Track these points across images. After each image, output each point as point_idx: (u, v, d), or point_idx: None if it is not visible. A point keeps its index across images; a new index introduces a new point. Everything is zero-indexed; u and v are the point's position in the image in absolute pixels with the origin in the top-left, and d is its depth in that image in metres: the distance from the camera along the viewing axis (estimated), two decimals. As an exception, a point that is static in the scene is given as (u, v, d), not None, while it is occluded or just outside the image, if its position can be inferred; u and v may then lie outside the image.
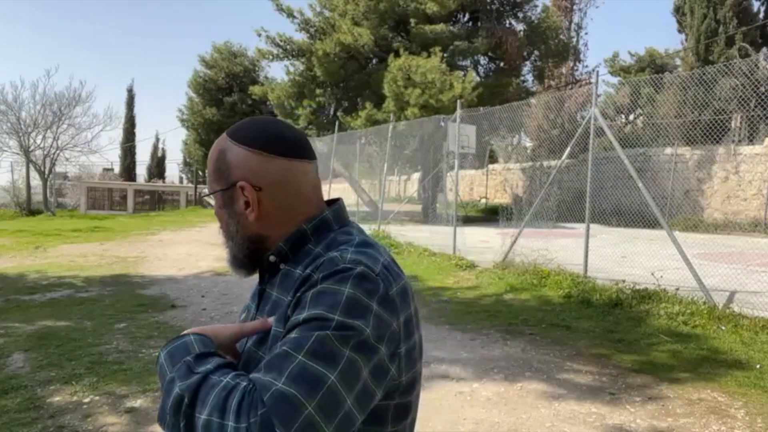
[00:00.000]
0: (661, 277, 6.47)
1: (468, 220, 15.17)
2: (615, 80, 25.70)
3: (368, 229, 13.35)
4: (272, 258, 0.98)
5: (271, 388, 0.74)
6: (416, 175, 25.73)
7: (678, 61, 23.41)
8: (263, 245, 0.99)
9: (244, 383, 0.76)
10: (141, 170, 40.39)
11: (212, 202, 1.03)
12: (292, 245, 0.98)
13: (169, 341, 0.89)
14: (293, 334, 0.80)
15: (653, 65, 23.85)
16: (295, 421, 0.72)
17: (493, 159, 25.65)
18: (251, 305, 1.05)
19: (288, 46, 20.35)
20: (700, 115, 13.91)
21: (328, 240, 0.97)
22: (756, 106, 13.91)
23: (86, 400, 3.69)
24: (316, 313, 0.81)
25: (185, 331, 0.91)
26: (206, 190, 1.06)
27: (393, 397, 0.89)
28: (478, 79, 17.99)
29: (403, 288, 0.91)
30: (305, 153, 1.00)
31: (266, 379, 0.76)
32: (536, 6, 19.84)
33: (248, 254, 1.00)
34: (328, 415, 0.75)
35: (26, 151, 26.95)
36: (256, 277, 1.06)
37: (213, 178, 1.00)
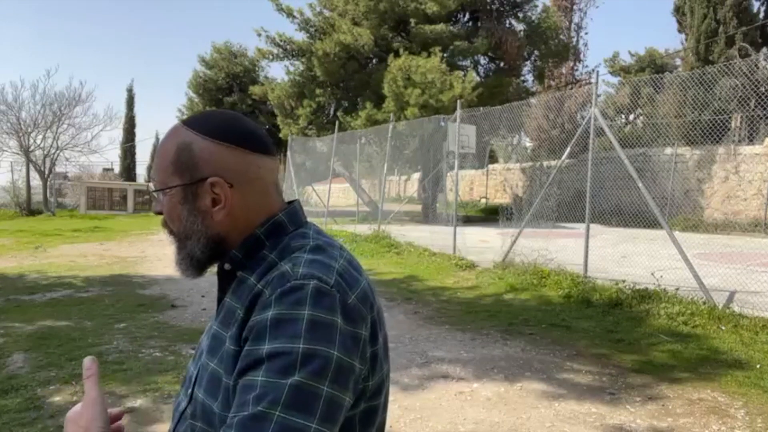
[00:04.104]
0: (661, 277, 6.47)
1: (468, 220, 15.17)
2: (615, 80, 25.76)
3: (368, 229, 13.35)
4: (227, 266, 0.95)
5: None
6: (416, 175, 25.74)
7: (678, 61, 23.43)
8: (223, 245, 0.94)
9: None
10: (141, 170, 40.33)
11: (160, 197, 0.96)
12: (246, 252, 0.93)
13: None
14: (260, 377, 0.76)
15: (653, 65, 23.86)
16: None
17: (493, 159, 25.65)
18: (213, 316, 1.02)
19: (288, 46, 20.34)
20: (700, 115, 13.90)
21: (282, 245, 0.92)
22: (756, 106, 13.91)
23: (86, 400, 3.69)
24: (279, 347, 0.76)
25: None
26: (153, 185, 0.97)
27: (359, 403, 0.86)
28: (478, 79, 17.99)
29: (363, 292, 0.87)
30: (271, 149, 0.97)
31: None
32: (536, 6, 19.88)
33: (209, 255, 0.94)
34: None
35: (26, 151, 26.95)
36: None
37: (170, 172, 0.93)
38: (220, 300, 0.97)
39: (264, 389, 0.74)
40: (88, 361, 0.90)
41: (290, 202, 1.00)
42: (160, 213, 0.98)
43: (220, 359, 0.87)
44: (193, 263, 0.96)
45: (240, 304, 0.87)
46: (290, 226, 0.95)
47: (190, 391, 0.94)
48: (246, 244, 0.93)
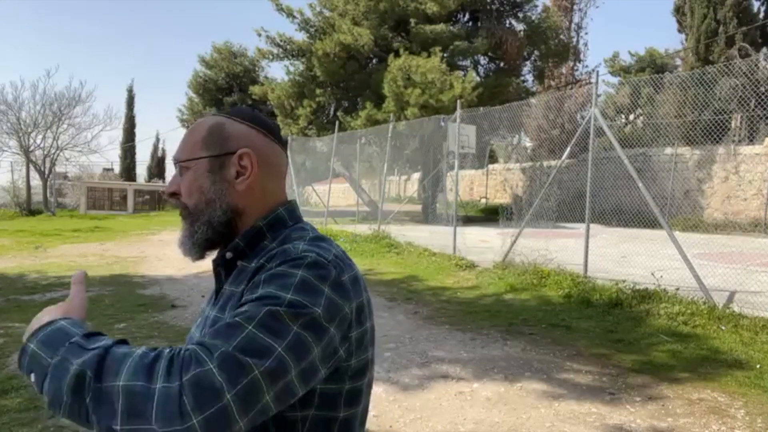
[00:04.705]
0: (661, 277, 6.47)
1: (468, 220, 15.17)
2: (615, 80, 25.75)
3: (368, 229, 13.35)
4: (229, 255, 1.00)
5: (220, 349, 0.74)
6: (416, 175, 25.74)
7: (678, 61, 23.43)
8: (238, 220, 0.99)
9: (167, 350, 0.75)
10: (141, 170, 40.41)
11: (178, 178, 1.02)
12: (248, 241, 0.99)
13: (33, 332, 0.82)
14: (244, 308, 0.81)
15: (653, 65, 23.86)
16: (242, 380, 0.73)
17: (493, 159, 25.65)
18: (206, 308, 1.06)
19: (288, 46, 20.35)
20: (700, 115, 13.90)
21: (282, 236, 0.99)
22: (756, 106, 13.90)
23: (86, 400, 3.69)
24: (268, 291, 0.82)
25: (48, 318, 0.84)
26: (179, 159, 1.02)
27: (344, 381, 0.91)
28: (478, 79, 18.00)
29: (355, 277, 0.94)
30: (286, 148, 1.09)
31: (213, 342, 0.76)
32: (536, 6, 19.88)
33: (225, 222, 0.98)
34: (273, 381, 0.76)
35: (26, 151, 26.98)
36: None
37: (198, 147, 0.99)
38: (217, 291, 1.03)
39: (244, 311, 0.80)
40: (80, 273, 0.96)
41: (289, 201, 1.07)
42: (173, 194, 1.02)
43: None
44: (207, 233, 0.99)
45: (242, 288, 0.93)
46: (290, 221, 1.03)
47: None
48: (248, 234, 0.99)
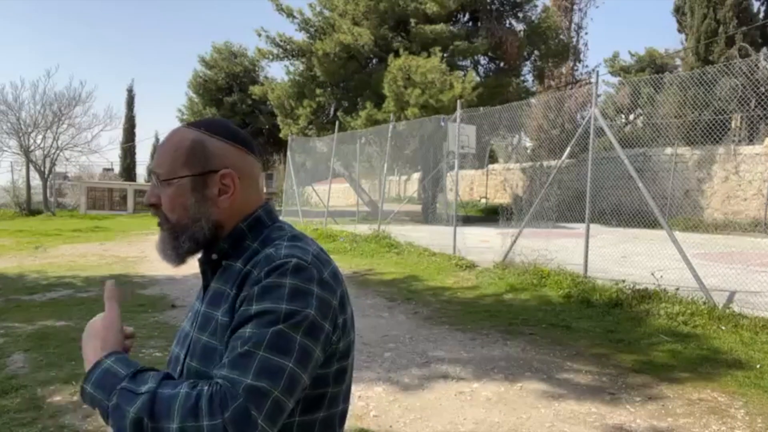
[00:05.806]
0: (661, 277, 6.47)
1: (468, 220, 15.16)
2: (615, 80, 25.74)
3: (368, 229, 13.35)
4: (214, 256, 1.07)
5: (243, 383, 0.85)
6: (416, 175, 25.74)
7: (678, 61, 23.42)
8: (219, 231, 1.06)
9: (206, 388, 0.86)
10: (141, 170, 40.33)
11: (157, 189, 1.06)
12: (231, 242, 1.06)
13: (87, 374, 0.95)
14: (249, 329, 0.90)
15: (653, 65, 23.85)
16: (265, 405, 0.85)
17: (493, 159, 25.66)
18: (196, 303, 1.13)
19: (288, 46, 20.34)
20: (700, 115, 13.89)
21: (263, 236, 1.06)
22: (756, 106, 13.89)
23: (86, 400, 3.69)
24: (265, 306, 0.91)
25: (95, 359, 0.96)
26: (154, 178, 1.06)
27: (332, 362, 1.01)
28: (478, 79, 17.99)
29: (333, 271, 1.03)
30: (258, 153, 1.14)
31: (233, 376, 0.86)
32: (536, 6, 19.88)
33: (210, 238, 1.05)
34: (291, 392, 0.89)
35: (26, 151, 26.96)
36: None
37: (180, 164, 1.03)
38: (205, 287, 1.10)
39: (250, 336, 0.89)
40: (110, 284, 1.07)
41: (266, 202, 1.14)
42: (153, 204, 1.07)
43: (212, 332, 1.00)
44: (192, 247, 1.06)
45: (229, 286, 1.01)
46: (268, 221, 1.09)
47: (179, 368, 1.04)
48: (232, 236, 1.06)
